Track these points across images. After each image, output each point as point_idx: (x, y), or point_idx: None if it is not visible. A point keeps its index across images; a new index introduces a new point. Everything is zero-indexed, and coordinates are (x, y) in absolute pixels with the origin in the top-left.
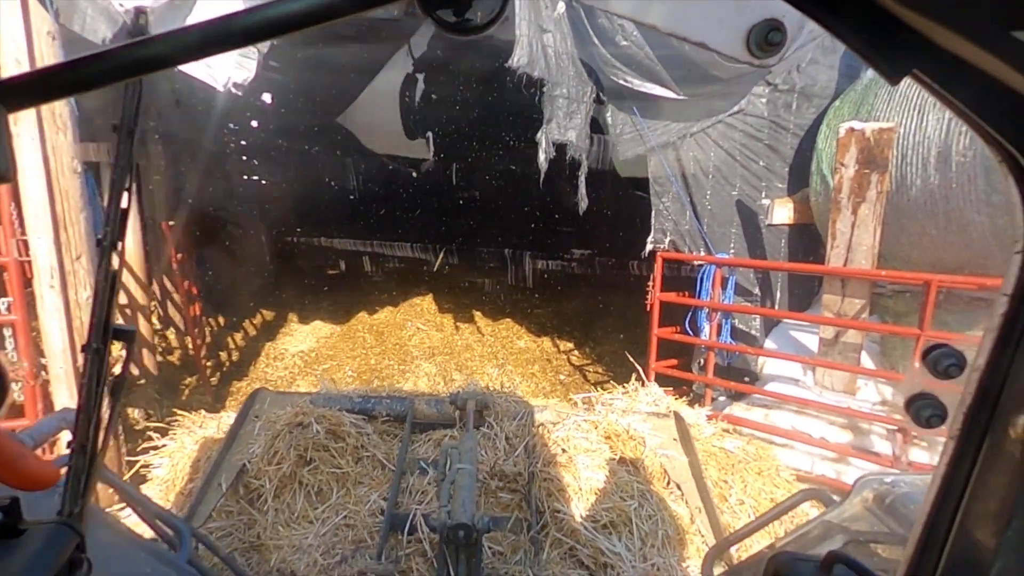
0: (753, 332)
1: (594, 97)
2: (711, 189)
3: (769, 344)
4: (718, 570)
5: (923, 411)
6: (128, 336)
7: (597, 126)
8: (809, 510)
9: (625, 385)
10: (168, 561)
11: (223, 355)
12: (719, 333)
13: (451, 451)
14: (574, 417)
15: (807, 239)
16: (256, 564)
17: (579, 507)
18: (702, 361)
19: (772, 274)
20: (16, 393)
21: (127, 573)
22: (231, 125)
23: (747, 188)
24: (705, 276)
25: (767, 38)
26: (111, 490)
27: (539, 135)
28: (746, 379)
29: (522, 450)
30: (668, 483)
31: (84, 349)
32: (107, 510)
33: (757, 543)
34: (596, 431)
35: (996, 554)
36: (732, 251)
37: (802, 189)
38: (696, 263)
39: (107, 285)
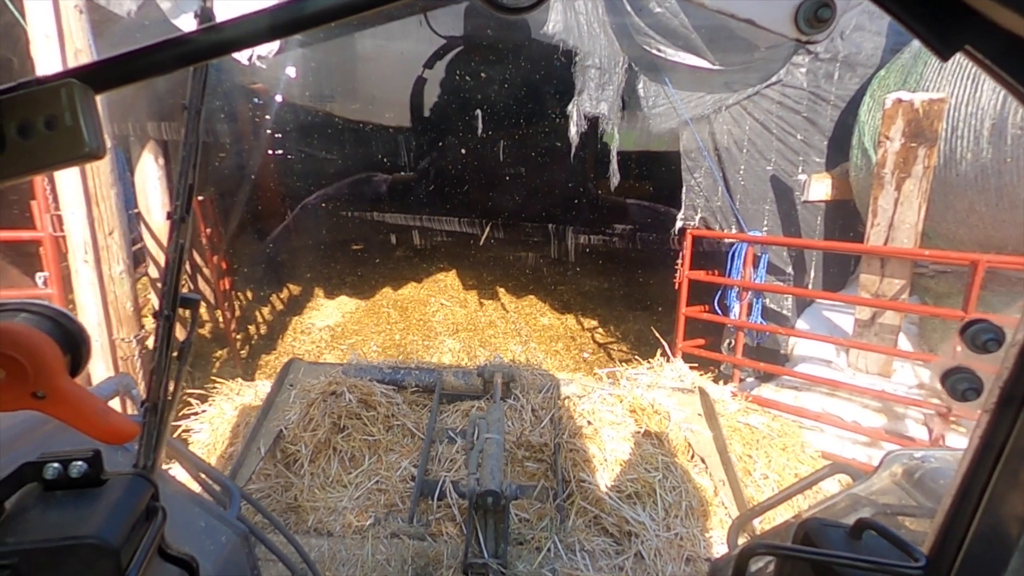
0: (784, 312)
1: (626, 68)
2: (745, 164)
3: (801, 324)
4: (743, 540)
5: (959, 384)
6: (194, 304)
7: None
8: (831, 487)
9: (650, 360)
10: (219, 516)
11: (252, 328)
12: (749, 313)
13: (479, 421)
14: (599, 391)
15: (845, 216)
16: (293, 524)
17: (604, 477)
18: (731, 341)
19: (807, 253)
20: None
21: (183, 525)
22: (256, 100)
23: (783, 163)
24: (736, 254)
25: (816, 14)
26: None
27: (570, 107)
28: (776, 360)
29: (548, 422)
30: (692, 456)
31: (155, 316)
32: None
33: (781, 516)
34: (621, 404)
35: None
36: (765, 229)
37: (841, 164)
38: (727, 241)
39: (176, 257)
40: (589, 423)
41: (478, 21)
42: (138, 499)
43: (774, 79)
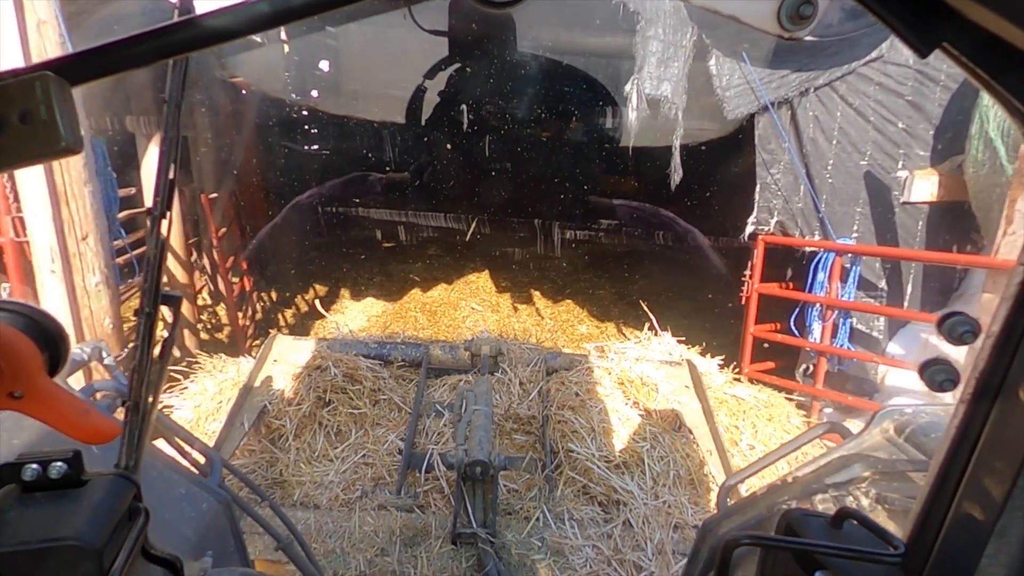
0: (875, 334)
1: (694, 40)
2: (834, 158)
3: (894, 349)
4: (732, 502)
5: (936, 376)
6: (175, 301)
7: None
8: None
9: (637, 334)
10: (200, 484)
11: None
12: (834, 335)
13: (467, 393)
14: (587, 364)
15: (955, 221)
16: (280, 499)
17: (592, 448)
18: (809, 366)
19: (903, 265)
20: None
21: (164, 493)
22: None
23: (880, 156)
24: (820, 265)
25: (799, 11)
26: None
27: (627, 87)
28: (862, 390)
29: (536, 394)
30: (680, 427)
31: (136, 314)
32: None
33: (773, 477)
34: (609, 377)
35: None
36: (856, 235)
37: (951, 158)
38: (808, 250)
39: (156, 253)
40: (577, 395)
41: (463, 15)
42: (120, 499)
43: (875, 54)
